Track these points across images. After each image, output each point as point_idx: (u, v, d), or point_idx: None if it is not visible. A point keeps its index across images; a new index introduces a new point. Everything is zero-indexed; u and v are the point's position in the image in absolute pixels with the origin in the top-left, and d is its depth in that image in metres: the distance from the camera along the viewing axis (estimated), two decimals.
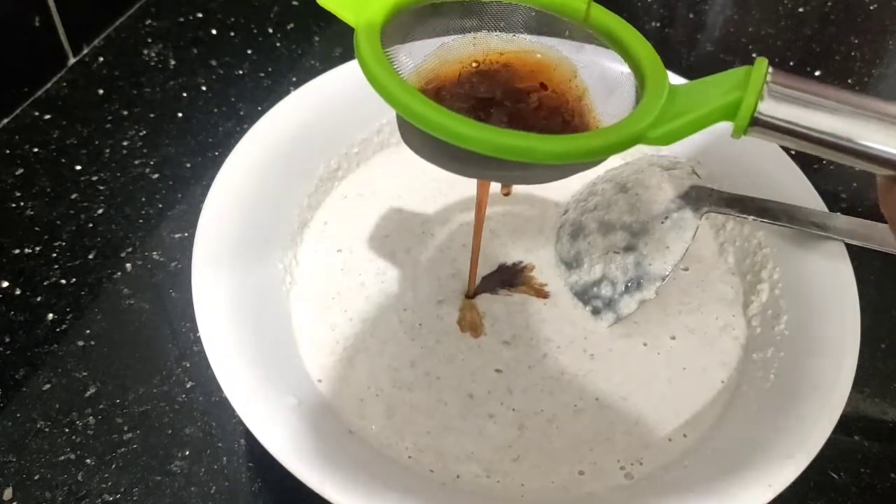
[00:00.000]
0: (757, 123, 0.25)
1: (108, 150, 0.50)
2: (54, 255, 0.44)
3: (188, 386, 0.39)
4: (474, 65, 0.32)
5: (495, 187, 0.37)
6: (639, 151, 0.46)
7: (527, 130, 0.26)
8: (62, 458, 0.37)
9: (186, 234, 0.45)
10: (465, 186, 0.44)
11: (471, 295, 0.40)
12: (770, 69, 0.25)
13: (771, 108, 0.25)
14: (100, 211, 0.46)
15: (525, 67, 0.32)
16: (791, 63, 0.60)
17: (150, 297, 0.42)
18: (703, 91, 0.27)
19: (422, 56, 0.31)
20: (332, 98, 0.43)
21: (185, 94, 0.53)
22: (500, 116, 0.31)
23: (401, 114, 0.26)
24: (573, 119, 0.31)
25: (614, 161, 0.46)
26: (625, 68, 0.30)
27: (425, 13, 0.30)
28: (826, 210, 0.39)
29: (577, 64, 0.31)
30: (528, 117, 0.31)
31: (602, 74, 0.31)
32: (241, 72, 0.55)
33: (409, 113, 0.26)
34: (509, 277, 0.41)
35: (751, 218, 0.39)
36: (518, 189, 0.44)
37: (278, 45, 0.57)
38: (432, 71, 0.31)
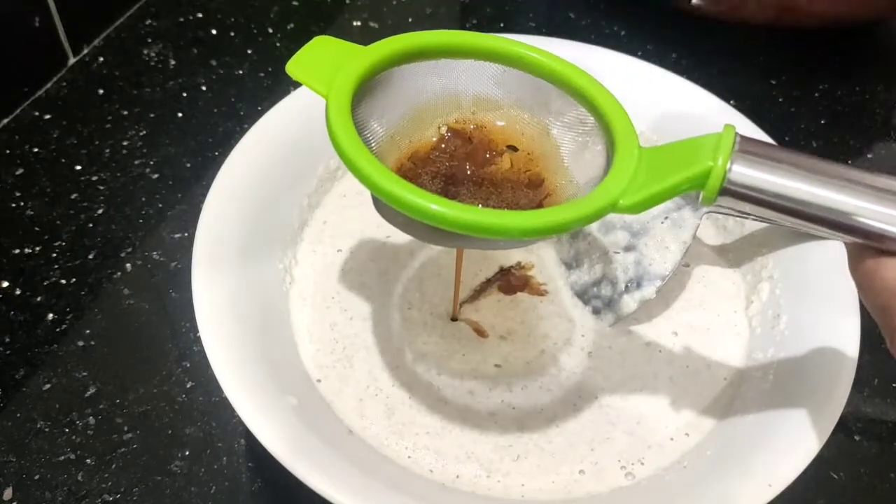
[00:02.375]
0: (726, 193, 0.25)
1: (108, 150, 0.50)
2: (54, 255, 0.44)
3: (188, 386, 0.39)
4: (447, 126, 0.32)
5: None
6: None
7: (500, 195, 0.26)
8: (62, 458, 0.37)
9: (186, 234, 0.45)
10: None
11: (455, 317, 0.39)
12: (738, 137, 0.25)
13: (740, 177, 0.25)
14: (100, 211, 0.46)
15: (497, 127, 0.32)
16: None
17: (150, 297, 0.42)
18: (672, 158, 0.26)
19: (395, 119, 0.31)
20: None
21: (185, 94, 0.53)
22: (473, 184, 0.31)
23: (373, 193, 0.26)
24: (545, 180, 0.31)
25: None
26: (595, 127, 0.30)
27: (397, 75, 0.30)
28: None
29: (548, 123, 0.31)
30: (500, 181, 0.31)
31: (573, 133, 0.31)
32: (241, 72, 0.55)
33: (381, 194, 0.26)
34: (508, 281, 0.41)
35: (751, 218, 0.39)
36: None
37: (278, 45, 0.57)
38: (405, 134, 0.31)
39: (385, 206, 0.28)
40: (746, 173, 0.25)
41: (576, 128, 0.31)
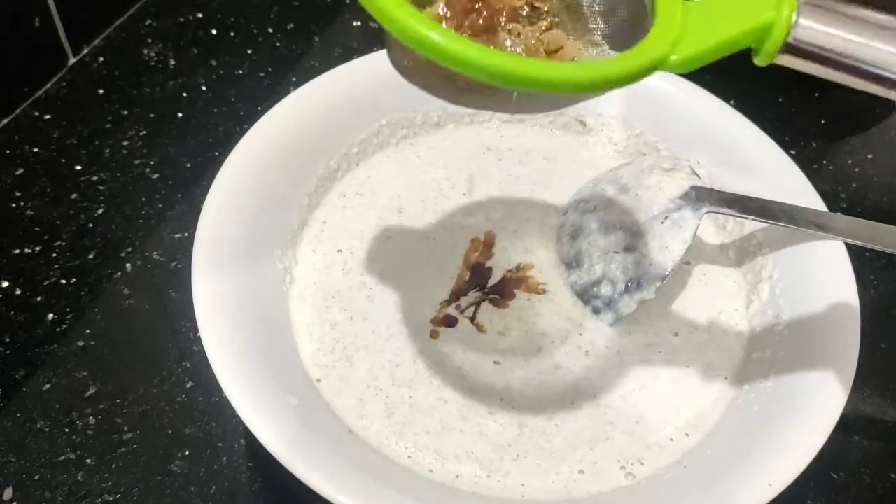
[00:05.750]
0: (788, 50, 0.23)
1: (108, 150, 0.50)
2: (54, 255, 0.44)
3: (188, 386, 0.39)
4: None
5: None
6: (639, 152, 0.46)
7: (529, 50, 0.24)
8: (62, 458, 0.37)
9: (186, 234, 0.45)
10: (466, 185, 0.44)
11: (450, 299, 0.39)
12: None
13: (804, 33, 0.23)
14: (100, 211, 0.46)
15: None
16: None
17: (150, 297, 0.42)
18: (727, 10, 0.24)
19: None
20: (332, 98, 0.43)
21: (185, 94, 0.53)
22: (505, 38, 0.28)
23: (412, 46, 0.23)
24: (565, 46, 0.28)
25: (615, 161, 0.46)
26: None
27: None
28: (826, 210, 0.39)
29: None
30: (531, 36, 0.28)
31: None
32: (241, 72, 0.55)
33: (420, 44, 0.22)
34: (506, 282, 0.40)
35: (751, 218, 0.39)
36: (518, 188, 0.44)
37: (278, 45, 0.57)
38: None
39: (408, 62, 0.25)
40: (814, 27, 0.23)
41: None
